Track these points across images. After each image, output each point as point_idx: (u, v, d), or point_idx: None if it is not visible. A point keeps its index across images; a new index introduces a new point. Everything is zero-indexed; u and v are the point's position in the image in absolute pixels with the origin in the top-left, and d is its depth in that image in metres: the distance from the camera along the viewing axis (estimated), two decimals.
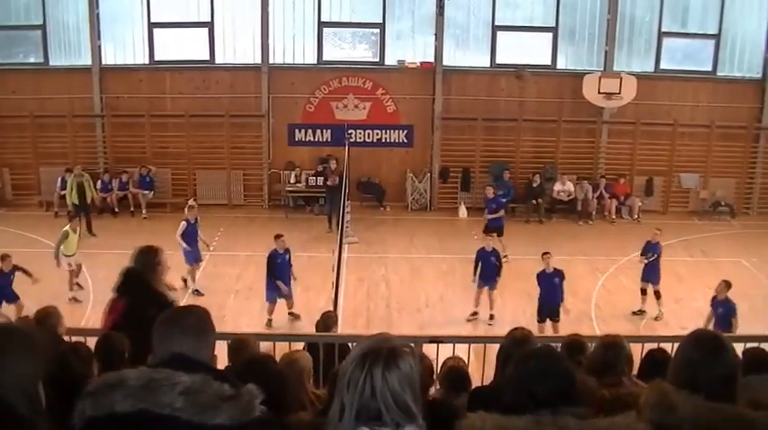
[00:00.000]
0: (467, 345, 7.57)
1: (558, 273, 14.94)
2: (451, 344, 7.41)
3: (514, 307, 16.48)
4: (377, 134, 22.91)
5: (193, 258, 17.23)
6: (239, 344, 6.03)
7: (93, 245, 19.95)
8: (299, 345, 7.44)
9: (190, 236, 17.13)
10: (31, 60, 23.13)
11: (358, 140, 22.53)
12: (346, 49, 23.23)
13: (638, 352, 6.40)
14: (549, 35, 23.03)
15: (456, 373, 6.01)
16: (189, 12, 22.69)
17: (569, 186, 22.67)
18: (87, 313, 14.93)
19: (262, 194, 23.33)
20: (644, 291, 16.47)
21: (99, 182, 22.26)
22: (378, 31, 22.88)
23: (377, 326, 15.51)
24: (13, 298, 14.73)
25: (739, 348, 4.77)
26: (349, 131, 22.33)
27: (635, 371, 5.43)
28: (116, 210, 22.35)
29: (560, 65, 23.20)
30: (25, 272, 15.16)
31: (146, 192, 22.44)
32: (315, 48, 22.89)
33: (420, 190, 23.13)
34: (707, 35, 23.02)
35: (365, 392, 2.49)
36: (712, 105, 22.94)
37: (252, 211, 23.06)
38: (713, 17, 22.87)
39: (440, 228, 22.00)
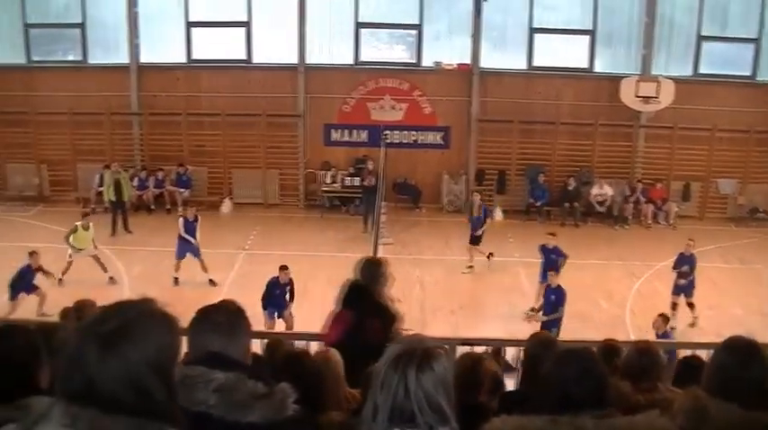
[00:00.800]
0: (500, 348, 7.99)
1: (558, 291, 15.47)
2: (484, 347, 7.66)
3: None
4: (413, 135, 23.67)
5: (181, 253, 18.10)
6: (275, 344, 6.34)
7: (128, 241, 20.91)
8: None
9: (188, 233, 18.16)
10: (70, 58, 24.12)
11: (394, 141, 23.21)
12: (383, 49, 23.97)
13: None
14: (587, 38, 23.68)
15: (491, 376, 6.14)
16: (226, 11, 23.53)
17: (607, 190, 23.27)
18: None
19: (297, 194, 24.14)
20: (674, 306, 16.56)
21: (135, 179, 23.11)
22: (415, 32, 23.62)
23: (410, 327, 16.04)
24: (32, 289, 15.65)
25: None
26: (385, 132, 23.02)
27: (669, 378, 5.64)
28: (152, 207, 23.24)
29: (598, 68, 23.85)
30: (46, 273, 16.10)
31: (182, 190, 23.30)
32: (352, 48, 23.66)
33: (456, 191, 23.88)
34: (746, 39, 23.57)
35: (398, 394, 2.53)
36: (751, 110, 23.47)
37: (287, 211, 23.83)
38: (753, 21, 23.43)
39: None
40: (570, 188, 23.14)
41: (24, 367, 3.11)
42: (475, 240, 19.41)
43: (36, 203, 23.95)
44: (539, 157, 23.81)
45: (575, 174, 23.39)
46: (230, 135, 23.60)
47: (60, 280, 17.22)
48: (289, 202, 24.24)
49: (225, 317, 3.19)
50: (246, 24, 23.62)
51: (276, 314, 15.47)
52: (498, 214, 23.34)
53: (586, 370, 3.11)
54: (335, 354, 5.84)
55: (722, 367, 3.26)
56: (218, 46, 23.78)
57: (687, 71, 23.79)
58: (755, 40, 23.62)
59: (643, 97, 23.12)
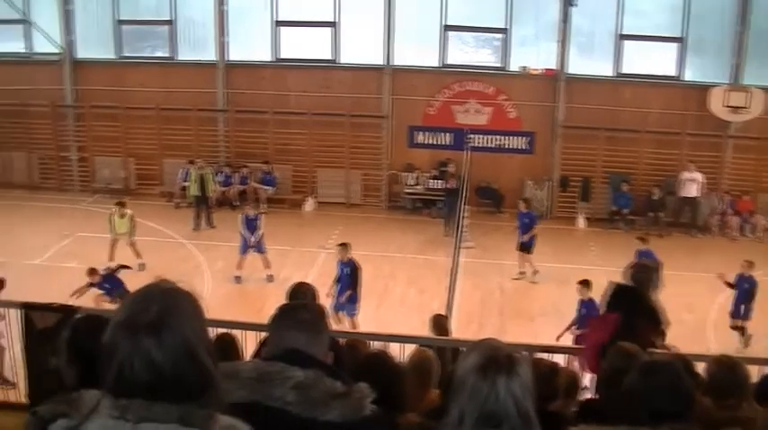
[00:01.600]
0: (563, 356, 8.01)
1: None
2: (564, 355, 7.97)
3: None
4: (497, 140, 24.31)
5: (243, 250, 18.98)
6: (353, 344, 6.60)
7: (211, 236, 21.98)
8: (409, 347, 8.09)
9: (248, 230, 19.05)
10: (159, 54, 25.41)
11: (478, 145, 23.86)
12: (469, 53, 24.75)
13: (755, 374, 6.88)
14: (676, 45, 24.18)
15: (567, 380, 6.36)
16: (314, 11, 24.55)
17: (697, 175, 23.45)
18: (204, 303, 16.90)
19: (380, 195, 25.06)
20: (736, 328, 16.59)
21: (220, 175, 24.21)
22: (502, 36, 24.36)
23: (489, 332, 16.10)
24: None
25: None
26: (469, 136, 23.74)
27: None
28: (235, 203, 24.18)
29: (687, 76, 24.33)
30: (121, 267, 16.58)
31: (267, 187, 24.40)
32: (438, 51, 24.49)
33: (539, 197, 24.63)
34: None
35: (488, 401, 2.62)
36: None
37: (369, 211, 24.76)
38: None
39: (557, 236, 23.14)
40: (655, 197, 23.65)
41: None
42: (523, 247, 19.83)
43: (122, 196, 25.09)
44: (624, 166, 24.33)
45: (660, 184, 23.96)
46: (315, 134, 24.60)
47: (142, 264, 18.51)
48: (371, 203, 25.17)
49: (310, 315, 3.31)
50: (334, 24, 24.60)
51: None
52: (581, 222, 24.07)
53: (673, 382, 3.21)
54: (431, 356, 6.17)
55: None
56: (305, 45, 24.81)
57: None
58: None
59: (732, 107, 23.52)
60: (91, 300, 15.19)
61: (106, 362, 2.29)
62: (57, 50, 25.12)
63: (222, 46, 24.92)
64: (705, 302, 18.71)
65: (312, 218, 24.34)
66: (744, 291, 16.57)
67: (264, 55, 25.05)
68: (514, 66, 24.53)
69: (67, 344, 3.68)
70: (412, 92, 24.54)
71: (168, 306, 2.32)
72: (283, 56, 24.98)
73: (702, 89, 23.95)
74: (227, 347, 6.05)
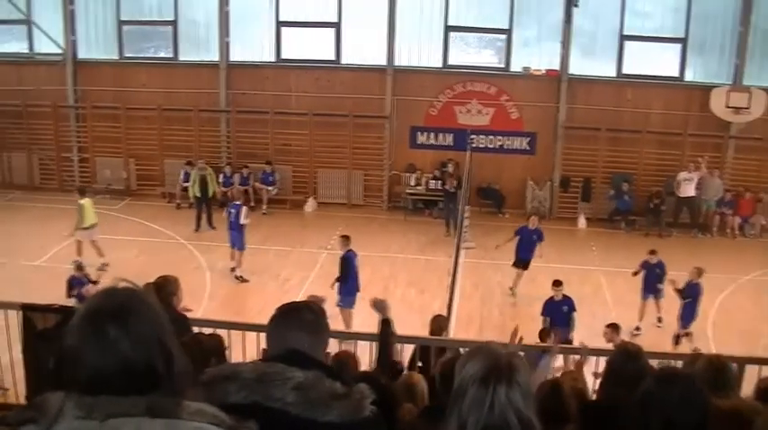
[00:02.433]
0: (578, 356, 8.53)
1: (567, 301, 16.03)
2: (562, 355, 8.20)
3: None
4: (499, 140, 24.98)
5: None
6: (344, 360, 6.74)
7: (212, 237, 22.43)
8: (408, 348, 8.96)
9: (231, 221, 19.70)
10: (162, 55, 25.90)
11: (480, 146, 24.47)
12: (472, 53, 25.18)
13: (753, 374, 7.41)
14: (678, 46, 24.68)
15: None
16: (317, 12, 25.02)
17: (694, 175, 24.05)
18: (204, 304, 16.98)
19: (381, 195, 25.57)
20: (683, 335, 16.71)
21: (221, 176, 24.65)
22: (504, 36, 24.81)
23: (489, 333, 17.05)
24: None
25: None
26: (471, 136, 24.37)
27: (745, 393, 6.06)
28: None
29: (688, 77, 24.83)
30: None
31: (270, 188, 24.98)
32: (440, 51, 24.98)
33: (540, 198, 25.18)
34: None
35: (489, 411, 2.66)
36: None
37: (371, 212, 25.30)
38: None
39: (558, 237, 23.43)
40: (654, 203, 24.47)
41: None
42: (525, 263, 19.77)
43: (123, 197, 25.80)
44: (625, 166, 24.88)
45: (661, 188, 24.70)
46: (316, 135, 25.12)
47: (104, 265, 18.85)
48: (372, 203, 25.74)
49: (313, 315, 3.42)
50: (336, 25, 25.08)
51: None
52: (582, 222, 25.08)
53: (690, 394, 3.19)
54: (421, 381, 6.40)
55: None
56: (307, 46, 25.30)
57: None
58: None
59: (734, 107, 24.05)
60: None
61: (69, 360, 2.34)
62: (59, 51, 25.68)
63: (224, 46, 25.40)
64: (705, 302, 18.47)
65: (313, 218, 24.92)
66: (694, 298, 16.88)
67: (267, 55, 25.53)
68: (517, 66, 25.01)
69: None
70: (414, 92, 25.04)
71: (123, 306, 2.39)
72: (285, 56, 25.43)
73: (704, 90, 24.48)
74: (213, 348, 6.13)
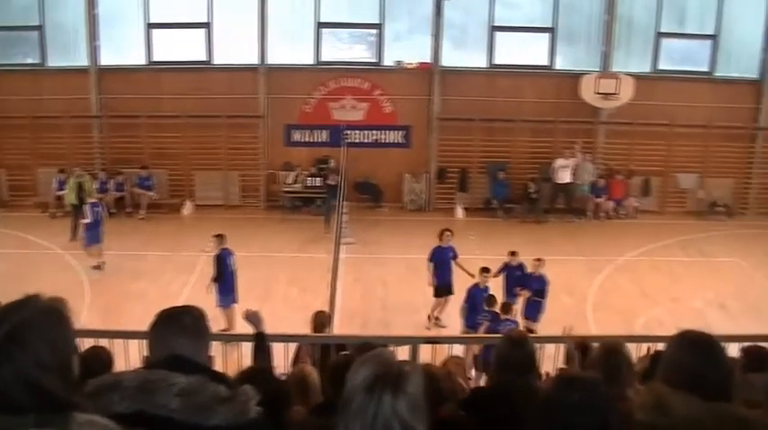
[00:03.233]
0: (463, 346, 9.48)
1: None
2: (448, 346, 8.71)
3: None
4: (374, 135, 26.87)
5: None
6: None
7: None
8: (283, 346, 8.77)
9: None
10: (29, 61, 26.98)
11: (355, 141, 26.39)
12: (344, 49, 27.11)
13: (633, 351, 8.01)
14: (547, 35, 27.03)
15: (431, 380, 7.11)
16: (187, 13, 26.50)
17: (570, 161, 26.24)
18: (85, 314, 17.12)
19: (259, 195, 27.19)
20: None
21: (96, 183, 25.67)
22: (376, 31, 26.81)
23: (373, 327, 18.11)
24: None
25: (735, 348, 6.66)
26: (346, 132, 26.18)
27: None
28: (112, 211, 25.87)
29: (558, 65, 27.23)
30: None
31: (147, 192, 26.22)
32: (313, 48, 26.78)
33: (417, 190, 27.08)
34: (704, 36, 27.07)
35: (373, 420, 2.74)
36: (710, 106, 26.89)
37: (249, 212, 26.80)
38: (710, 18, 26.89)
39: (437, 228, 24.76)
40: (530, 190, 26.42)
41: None
42: (442, 290, 18.86)
43: None
44: (500, 155, 27.10)
45: (535, 177, 26.74)
46: (191, 137, 26.57)
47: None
48: (250, 204, 27.29)
49: (192, 320, 3.56)
50: (207, 25, 26.61)
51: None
52: (459, 212, 26.52)
53: (591, 399, 3.28)
54: (312, 372, 6.74)
55: (682, 362, 3.63)
56: (178, 47, 26.76)
57: (646, 68, 27.21)
58: (713, 37, 27.06)
59: (603, 94, 26.42)
60: None
61: None
62: None
63: (94, 51, 26.65)
64: (584, 285, 21.01)
65: (191, 221, 26.13)
66: (540, 292, 17.26)
67: (137, 58, 26.89)
68: (389, 60, 27.00)
69: None
70: (288, 90, 26.75)
71: (17, 328, 2.50)
72: (157, 59, 26.86)
73: (574, 77, 26.88)
74: (97, 359, 6.29)
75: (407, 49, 27.08)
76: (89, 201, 21.48)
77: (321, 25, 26.82)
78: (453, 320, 17.65)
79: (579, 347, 6.99)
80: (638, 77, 26.66)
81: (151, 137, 26.77)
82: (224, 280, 17.21)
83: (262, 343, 6.84)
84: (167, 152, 26.85)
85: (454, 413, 5.32)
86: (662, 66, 27.26)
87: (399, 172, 27.27)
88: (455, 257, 18.71)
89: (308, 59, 26.97)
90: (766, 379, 5.61)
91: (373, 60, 27.06)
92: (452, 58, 27.05)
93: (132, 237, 23.55)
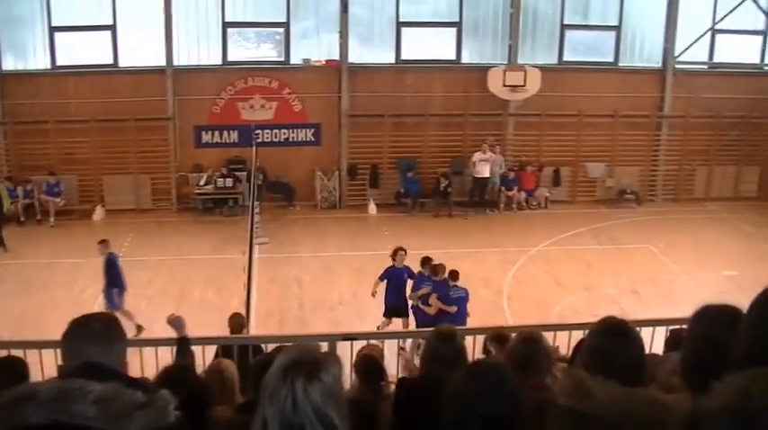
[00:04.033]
0: (381, 342, 9.22)
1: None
2: (365, 341, 8.93)
3: None
4: (284, 133, 28.74)
5: None
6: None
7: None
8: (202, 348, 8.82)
9: None
10: None
11: (265, 140, 28.28)
12: (251, 49, 29.09)
13: (549, 340, 7.98)
14: (454, 30, 29.26)
15: (369, 362, 7.37)
16: (91, 15, 27.91)
17: (490, 155, 28.27)
18: None
19: (170, 198, 28.82)
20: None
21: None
22: (282, 30, 28.71)
23: (290, 326, 19.32)
24: None
25: (648, 332, 7.52)
26: (256, 132, 27.91)
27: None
28: (22, 219, 27.02)
29: (465, 59, 29.57)
30: None
31: (56, 199, 27.50)
32: (219, 48, 28.54)
33: (329, 188, 29.08)
34: (608, 27, 29.70)
35: (287, 407, 2.98)
36: (615, 95, 29.53)
37: (161, 215, 28.22)
38: (613, 9, 29.55)
39: (350, 225, 27.42)
40: (443, 185, 28.37)
41: None
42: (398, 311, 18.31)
43: None
44: (411, 150, 29.32)
45: (447, 169, 28.77)
46: (100, 141, 27.99)
47: None
48: (162, 207, 28.80)
49: (101, 325, 3.71)
50: (112, 28, 27.98)
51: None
52: (372, 208, 27.99)
53: (499, 385, 3.50)
54: (230, 366, 7.03)
55: (600, 348, 3.92)
56: (83, 51, 28.09)
57: (552, 59, 29.65)
58: (616, 28, 29.45)
59: (510, 86, 28.73)
60: None
61: None
62: None
63: None
64: (499, 276, 22.60)
65: (103, 227, 26.94)
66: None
67: (42, 63, 28.16)
68: (297, 59, 28.93)
69: None
70: (196, 92, 28.43)
71: None
72: (61, 63, 28.22)
73: (481, 71, 29.12)
74: (11, 371, 6.37)
75: (315, 46, 29.07)
76: None
77: (227, 25, 28.50)
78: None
79: (496, 339, 7.39)
80: (545, 69, 29.00)
81: (59, 142, 27.96)
82: (116, 283, 18.39)
83: (185, 347, 7.43)
84: (76, 157, 28.07)
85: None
86: (568, 57, 29.78)
87: (311, 170, 29.20)
88: (411, 277, 17.90)
89: (216, 60, 28.67)
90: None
91: (281, 59, 28.94)
92: (360, 54, 29.15)
93: (43, 245, 24.68)
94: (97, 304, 19.31)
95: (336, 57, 28.53)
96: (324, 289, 22.16)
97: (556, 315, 19.70)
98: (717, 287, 21.09)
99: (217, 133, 28.47)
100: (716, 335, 3.60)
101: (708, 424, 2.83)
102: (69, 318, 3.90)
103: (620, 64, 29.67)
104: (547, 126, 29.31)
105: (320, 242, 25.58)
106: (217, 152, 28.58)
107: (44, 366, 7.36)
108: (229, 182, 27.75)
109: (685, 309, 4.09)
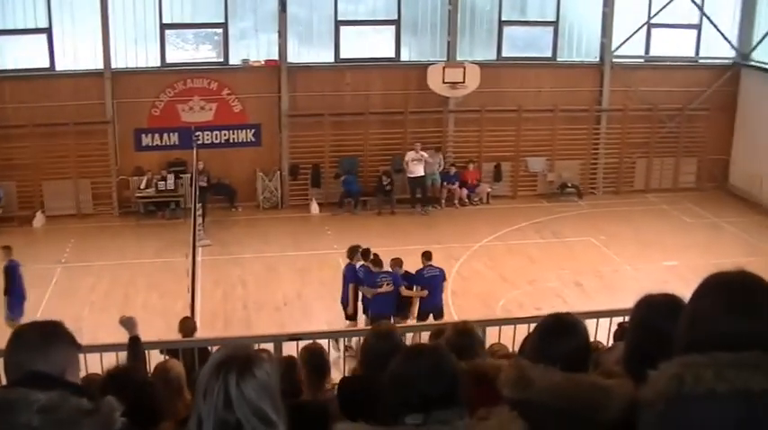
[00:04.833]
0: (326, 341, 9.15)
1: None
2: (311, 341, 8.70)
3: None
4: (224, 135, 29.33)
5: None
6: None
7: None
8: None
9: None
10: None
11: (206, 142, 28.81)
12: (189, 50, 29.64)
13: (494, 335, 8.96)
14: (392, 28, 30.05)
15: (313, 353, 7.54)
16: (26, 18, 28.12)
17: (422, 154, 28.92)
18: None
19: (111, 202, 29.16)
20: None
21: None
22: (221, 30, 29.24)
23: (235, 327, 20.02)
24: None
25: (592, 324, 7.53)
26: (196, 134, 28.42)
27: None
28: None
29: (404, 57, 30.41)
30: None
31: None
32: (158, 50, 29.00)
33: (271, 188, 29.75)
34: (545, 22, 30.68)
35: (220, 403, 3.04)
36: (554, 90, 30.57)
37: (102, 220, 28.53)
38: (551, 5, 30.56)
39: (293, 225, 28.11)
40: (385, 183, 29.17)
41: None
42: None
43: None
44: (352, 149, 30.09)
45: (388, 169, 29.58)
46: (38, 146, 28.18)
47: None
48: (103, 211, 29.08)
49: (38, 333, 3.76)
50: (48, 30, 28.22)
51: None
52: (314, 208, 28.70)
53: (438, 365, 3.62)
54: (176, 366, 7.22)
55: (543, 338, 4.11)
56: (18, 54, 28.35)
57: (491, 55, 30.52)
58: (554, 23, 30.45)
59: (450, 83, 29.54)
60: None
61: None
62: None
63: None
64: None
65: (43, 233, 27.62)
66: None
67: None
68: (236, 59, 29.52)
69: None
70: (135, 94, 28.86)
71: None
72: None
73: (421, 68, 29.92)
74: None
75: (254, 47, 29.71)
76: None
77: (165, 26, 28.91)
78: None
79: (438, 336, 7.43)
80: (484, 65, 29.90)
81: None
82: (15, 291, 18.71)
83: (136, 347, 7.63)
84: (14, 163, 28.23)
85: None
86: (506, 53, 30.69)
87: (252, 171, 29.76)
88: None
89: (154, 62, 29.11)
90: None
91: (220, 60, 29.48)
92: (299, 54, 29.84)
93: None
94: (41, 310, 19.83)
95: (275, 57, 29.12)
96: (268, 290, 22.88)
97: (500, 309, 20.43)
98: (658, 277, 22.30)
99: (157, 136, 28.89)
100: (657, 324, 3.73)
101: (644, 411, 3.03)
102: (6, 326, 4.47)
103: (558, 59, 30.67)
104: (487, 122, 30.17)
105: (263, 243, 26.23)
106: (157, 155, 28.98)
107: None
108: (171, 184, 28.19)
109: (628, 300, 4.34)
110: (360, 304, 18.86)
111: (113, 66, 28.29)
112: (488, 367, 5.29)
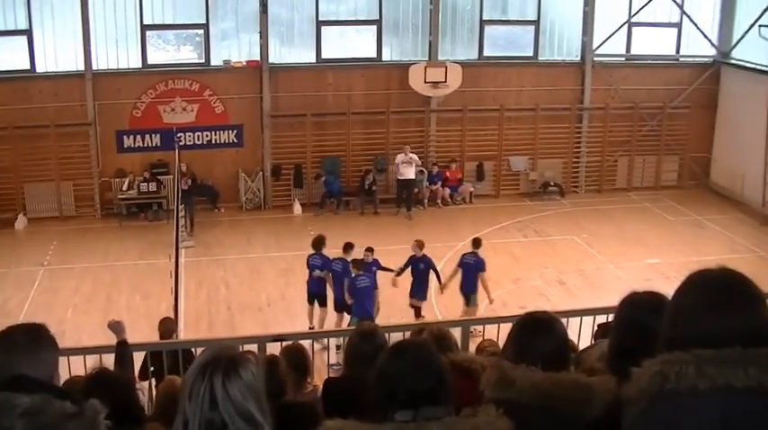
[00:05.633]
0: (310, 341, 9.69)
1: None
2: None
3: None
4: (206, 136, 29.79)
5: None
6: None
7: None
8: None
9: None
10: None
11: (188, 143, 29.25)
12: (171, 51, 30.06)
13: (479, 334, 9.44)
14: (374, 28, 30.59)
15: (293, 352, 7.64)
16: (5, 20, 28.42)
17: (413, 156, 29.32)
18: None
19: (94, 204, 29.54)
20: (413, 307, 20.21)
21: None
22: (202, 31, 29.69)
23: (219, 328, 20.30)
24: None
25: (575, 322, 8.34)
26: (178, 135, 28.84)
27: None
28: None
29: (386, 56, 30.95)
30: None
31: None
32: (139, 51, 29.38)
33: (253, 189, 30.22)
34: (527, 21, 31.28)
35: (207, 404, 3.09)
36: (536, 89, 31.25)
37: (85, 222, 28.85)
38: (532, 4, 31.22)
39: (276, 226, 28.57)
40: (368, 182, 29.70)
41: None
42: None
43: None
44: (334, 149, 30.64)
45: (370, 169, 30.07)
46: (20, 148, 28.50)
47: None
48: (86, 213, 29.46)
49: (23, 336, 3.79)
50: (27, 32, 28.55)
51: None
52: (297, 208, 29.09)
53: (422, 360, 3.64)
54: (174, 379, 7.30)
55: (523, 338, 4.16)
56: None
57: (473, 55, 31.14)
58: (535, 22, 30.98)
59: (432, 82, 30.11)
60: None
61: None
62: None
63: None
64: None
65: (26, 236, 27.93)
66: (419, 272, 20.30)
67: None
68: (217, 60, 29.98)
69: None
70: (116, 96, 29.23)
71: None
72: None
73: (403, 68, 30.51)
74: None
75: (235, 47, 30.20)
76: None
77: (146, 27, 29.29)
78: None
79: (418, 334, 7.30)
80: (466, 65, 30.52)
81: None
82: None
83: (124, 351, 7.73)
84: None
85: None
86: (488, 52, 31.35)
87: (234, 172, 30.29)
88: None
89: (135, 63, 29.47)
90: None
91: (201, 61, 29.94)
92: (280, 54, 30.33)
93: None
94: (23, 313, 20.25)
95: (257, 57, 29.55)
96: (252, 290, 23.26)
97: (485, 308, 20.38)
98: (641, 275, 23.00)
99: (139, 137, 29.27)
100: (642, 321, 3.82)
101: (627, 408, 3.09)
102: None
103: (539, 58, 31.29)
104: (469, 121, 30.79)
105: (246, 244, 26.69)
106: (139, 156, 29.37)
107: None
108: (153, 186, 28.56)
109: (611, 298, 4.46)
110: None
111: (94, 67, 28.62)
112: (469, 361, 5.40)
